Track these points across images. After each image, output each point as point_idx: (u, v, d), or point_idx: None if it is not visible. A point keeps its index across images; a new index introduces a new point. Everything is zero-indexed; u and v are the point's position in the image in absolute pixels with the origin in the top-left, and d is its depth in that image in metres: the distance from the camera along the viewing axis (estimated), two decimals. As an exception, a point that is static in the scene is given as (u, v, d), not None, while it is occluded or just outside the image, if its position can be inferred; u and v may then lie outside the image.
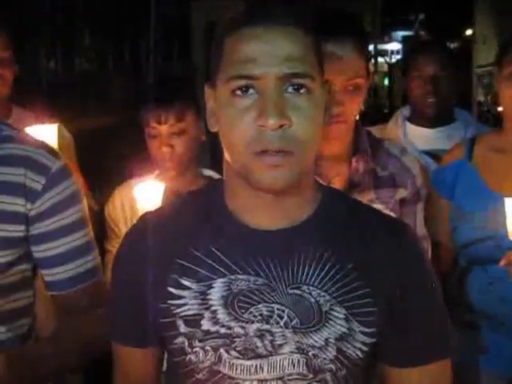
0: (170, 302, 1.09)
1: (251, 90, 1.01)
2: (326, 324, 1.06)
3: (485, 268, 1.84)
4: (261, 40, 1.01)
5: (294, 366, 1.06)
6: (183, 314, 1.08)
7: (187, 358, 1.09)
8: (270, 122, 0.98)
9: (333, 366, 1.07)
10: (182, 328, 1.09)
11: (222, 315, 1.07)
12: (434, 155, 2.31)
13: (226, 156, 1.07)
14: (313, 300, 1.06)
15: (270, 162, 1.00)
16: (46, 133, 2.14)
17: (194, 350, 1.08)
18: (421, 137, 2.44)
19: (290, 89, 1.01)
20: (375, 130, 2.20)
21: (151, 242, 1.12)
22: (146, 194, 1.91)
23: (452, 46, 14.92)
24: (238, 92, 1.01)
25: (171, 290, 1.09)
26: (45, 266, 1.37)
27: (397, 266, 1.09)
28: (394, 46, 19.41)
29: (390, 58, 18.14)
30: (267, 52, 1.00)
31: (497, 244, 1.77)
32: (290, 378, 1.07)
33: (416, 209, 1.74)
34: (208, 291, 1.08)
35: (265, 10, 1.04)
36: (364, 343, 1.08)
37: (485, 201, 1.83)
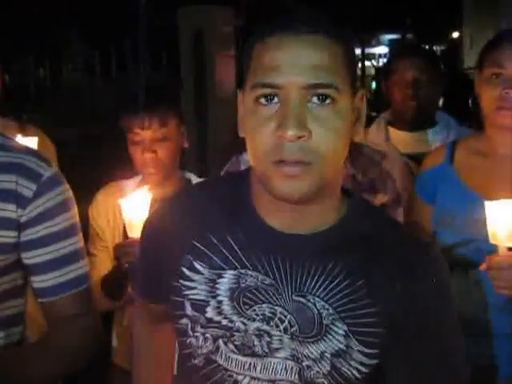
0: (181, 281, 1.11)
1: (275, 99, 1.00)
2: (324, 337, 1.05)
3: (465, 272, 1.83)
4: (286, 48, 0.99)
5: (286, 372, 1.07)
6: (192, 297, 1.10)
7: (188, 341, 1.11)
8: (289, 133, 0.97)
9: (325, 382, 1.06)
10: (189, 310, 1.11)
11: (226, 307, 1.08)
12: (416, 159, 2.32)
13: (250, 160, 1.07)
14: (316, 311, 1.05)
15: (287, 172, 0.99)
16: (27, 145, 2.14)
17: (195, 334, 1.10)
18: (402, 140, 2.44)
19: (315, 99, 0.99)
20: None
21: (177, 218, 1.15)
22: (133, 205, 1.91)
23: (439, 48, 15.00)
24: (262, 100, 1.01)
25: (184, 270, 1.11)
26: (34, 272, 1.37)
27: (412, 291, 1.06)
28: (382, 49, 19.46)
29: (378, 62, 18.19)
30: (291, 61, 0.99)
31: (477, 247, 1.77)
32: (282, 383, 1.07)
33: (396, 213, 1.75)
34: (218, 280, 1.09)
35: (292, 18, 1.02)
36: (362, 364, 1.06)
37: (466, 204, 1.83)
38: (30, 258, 1.36)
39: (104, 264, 2.06)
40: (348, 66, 1.03)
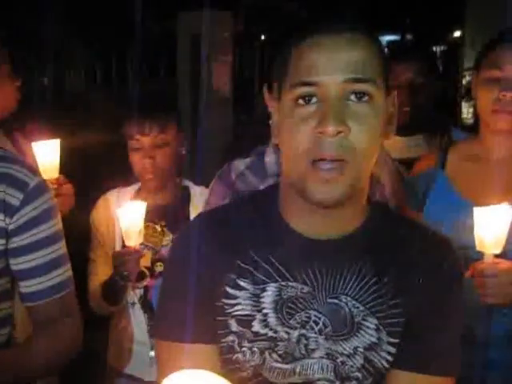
0: (224, 300, 1.12)
1: (314, 99, 1.03)
2: (357, 333, 1.11)
3: None
4: (324, 47, 1.03)
5: (322, 370, 1.12)
6: (236, 313, 1.12)
7: (234, 357, 1.13)
8: (329, 128, 1.00)
9: (359, 375, 1.12)
10: (234, 327, 1.12)
11: (271, 319, 1.11)
12: (409, 164, 2.32)
13: (284, 166, 1.10)
14: (347, 310, 1.11)
15: (324, 175, 1.02)
16: (49, 148, 2.20)
17: (243, 349, 1.12)
18: (396, 145, 2.41)
19: (353, 97, 1.03)
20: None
21: (213, 241, 1.14)
22: (128, 214, 1.94)
23: (439, 49, 14.95)
24: (301, 101, 1.04)
25: (228, 289, 1.12)
26: (22, 277, 1.41)
27: (431, 283, 1.12)
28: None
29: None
30: (329, 58, 1.02)
31: (466, 255, 1.74)
32: (319, 383, 1.12)
33: None
34: (262, 294, 1.11)
35: (329, 18, 1.07)
36: (390, 353, 1.12)
37: (455, 209, 1.82)
38: (18, 264, 1.40)
39: (104, 270, 2.09)
40: (383, 63, 1.07)
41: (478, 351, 1.79)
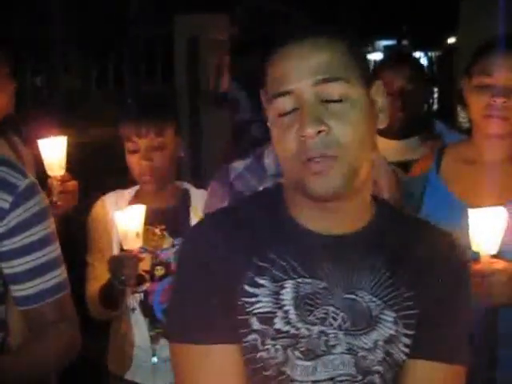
0: (243, 299, 1.12)
1: (293, 107, 1.08)
2: (376, 327, 1.13)
3: None
4: (292, 56, 1.08)
5: (344, 365, 1.12)
6: (257, 311, 1.12)
7: (258, 355, 1.12)
8: (308, 130, 1.05)
9: (380, 368, 1.13)
10: (256, 325, 1.12)
11: (292, 316, 1.12)
12: (405, 166, 2.35)
13: (282, 168, 1.14)
14: (365, 305, 1.13)
15: (315, 170, 1.06)
16: (55, 145, 2.22)
17: (266, 347, 1.12)
18: (391, 148, 2.45)
19: (328, 98, 1.07)
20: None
21: (227, 241, 1.14)
22: (127, 217, 1.94)
23: (434, 54, 15.01)
24: (282, 111, 1.09)
25: (247, 287, 1.12)
26: (14, 281, 1.40)
27: (441, 276, 1.16)
28: (378, 55, 19.50)
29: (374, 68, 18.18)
30: (298, 65, 1.07)
31: None
32: (341, 378, 1.13)
33: None
34: (281, 291, 1.12)
35: (294, 29, 1.12)
36: (406, 345, 1.14)
37: (451, 212, 1.84)
38: (10, 267, 1.39)
39: (102, 274, 2.06)
40: (355, 60, 1.10)
41: (484, 351, 1.81)
